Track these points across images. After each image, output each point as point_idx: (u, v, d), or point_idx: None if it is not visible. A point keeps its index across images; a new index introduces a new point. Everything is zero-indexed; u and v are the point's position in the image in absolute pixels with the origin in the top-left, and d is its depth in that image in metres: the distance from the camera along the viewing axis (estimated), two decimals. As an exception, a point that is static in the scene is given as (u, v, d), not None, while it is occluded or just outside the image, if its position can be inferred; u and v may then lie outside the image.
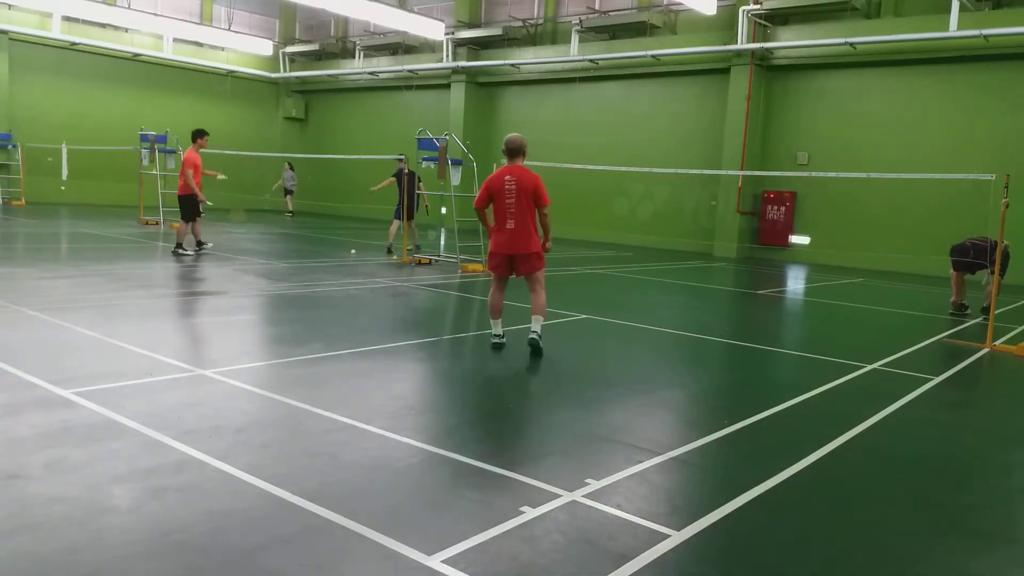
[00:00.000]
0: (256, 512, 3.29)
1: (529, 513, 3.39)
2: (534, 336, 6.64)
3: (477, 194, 6.82)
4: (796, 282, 15.34)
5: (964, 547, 3.46)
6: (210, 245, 13.45)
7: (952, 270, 10.88)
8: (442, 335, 6.91)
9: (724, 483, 4.02)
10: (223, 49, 27.95)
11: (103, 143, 24.37)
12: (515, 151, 6.72)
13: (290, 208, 26.66)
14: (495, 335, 6.85)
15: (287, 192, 26.81)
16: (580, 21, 22.01)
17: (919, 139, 17.54)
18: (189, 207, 12.71)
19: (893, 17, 17.79)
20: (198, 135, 12.87)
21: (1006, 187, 8.50)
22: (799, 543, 3.38)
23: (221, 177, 14.30)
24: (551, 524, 3.31)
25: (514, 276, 6.91)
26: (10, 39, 23.61)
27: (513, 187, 6.56)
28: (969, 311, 10.93)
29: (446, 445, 4.28)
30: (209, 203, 13.53)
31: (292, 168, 27.08)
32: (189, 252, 12.64)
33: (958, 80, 17.18)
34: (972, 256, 10.49)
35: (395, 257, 14.14)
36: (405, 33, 25.34)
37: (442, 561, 2.91)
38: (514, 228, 6.60)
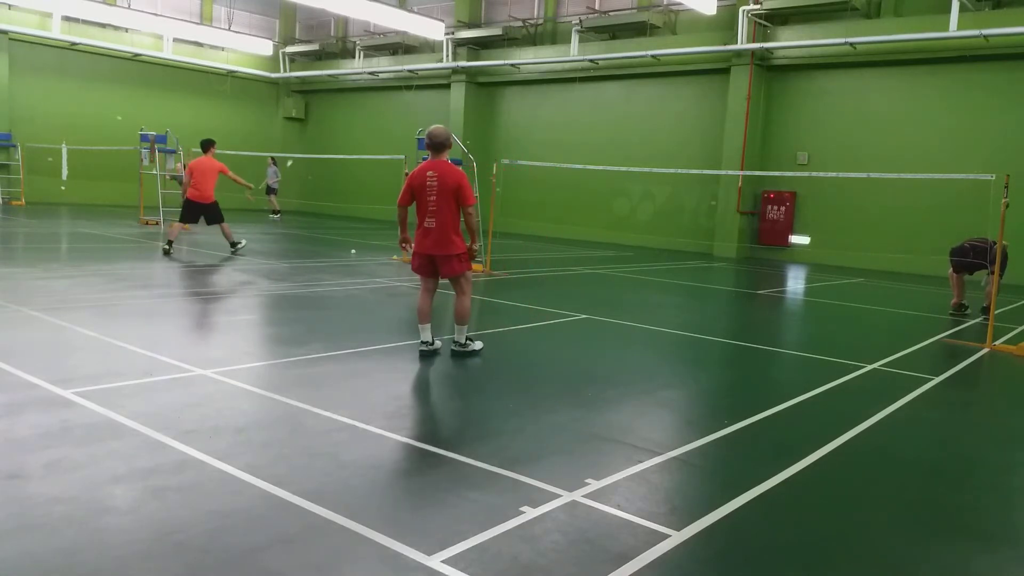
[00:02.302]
0: (256, 512, 3.29)
1: (529, 513, 3.39)
2: (455, 348, 6.52)
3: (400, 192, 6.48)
4: (796, 282, 15.34)
5: (964, 547, 3.46)
6: (243, 243, 13.58)
7: (951, 271, 10.88)
8: (441, 335, 6.91)
9: (724, 483, 4.02)
10: (223, 49, 27.94)
11: (103, 143, 24.37)
12: (439, 145, 6.34)
13: (276, 208, 24.59)
14: (423, 341, 6.42)
15: (270, 191, 24.57)
16: (580, 21, 22.01)
17: (919, 139, 17.54)
18: (216, 211, 13.05)
19: (893, 17, 17.80)
20: (211, 144, 13.18)
21: (1006, 187, 8.50)
22: (799, 543, 3.38)
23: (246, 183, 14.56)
24: (551, 524, 3.31)
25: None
26: (10, 39, 23.62)
27: (435, 183, 6.19)
28: (969, 311, 10.93)
29: (446, 445, 4.28)
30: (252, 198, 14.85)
31: (275, 164, 24.99)
32: (242, 242, 13.36)
33: (958, 80, 17.18)
34: (972, 257, 10.49)
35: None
36: (405, 33, 25.35)
37: (442, 561, 2.91)
38: (434, 227, 6.23)
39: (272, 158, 25.35)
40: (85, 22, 24.48)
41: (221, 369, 5.57)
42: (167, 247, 12.58)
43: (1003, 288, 10.50)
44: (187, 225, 13.20)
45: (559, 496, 3.59)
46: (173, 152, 18.88)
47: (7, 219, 18.16)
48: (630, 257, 17.80)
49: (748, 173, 18.79)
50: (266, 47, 26.96)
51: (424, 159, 15.03)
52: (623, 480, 3.88)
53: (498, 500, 3.53)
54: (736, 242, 19.79)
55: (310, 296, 9.35)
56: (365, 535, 3.11)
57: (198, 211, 12.91)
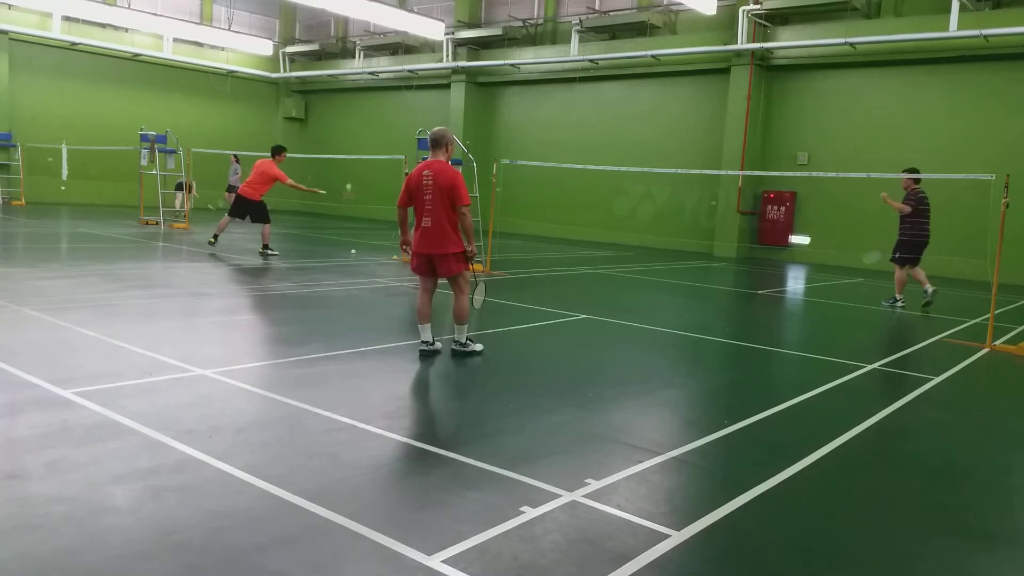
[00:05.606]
0: (256, 512, 3.29)
1: (529, 513, 3.38)
2: (455, 347, 6.51)
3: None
4: (796, 282, 15.34)
5: (964, 547, 3.45)
6: (276, 253, 13.45)
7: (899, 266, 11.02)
8: (442, 335, 6.91)
9: (724, 483, 4.02)
10: (223, 49, 27.96)
11: (103, 143, 24.38)
12: (434, 142, 6.36)
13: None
14: (423, 341, 6.44)
15: (231, 188, 21.35)
16: (580, 21, 22.01)
17: (919, 139, 17.53)
18: (262, 211, 13.38)
19: (893, 17, 17.80)
20: (280, 151, 13.49)
21: (1006, 187, 8.50)
22: (799, 543, 3.38)
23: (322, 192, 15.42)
24: (551, 524, 3.31)
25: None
26: (10, 39, 23.62)
27: (430, 183, 6.22)
28: (931, 299, 10.84)
29: (446, 445, 4.28)
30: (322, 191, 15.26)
31: (238, 161, 21.83)
32: (276, 252, 13.32)
33: (958, 80, 17.18)
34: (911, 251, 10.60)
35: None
36: (405, 33, 25.35)
37: (442, 561, 2.91)
38: (431, 227, 6.26)
39: (235, 155, 22.70)
40: (85, 22, 24.49)
41: (221, 369, 5.57)
42: (212, 240, 13.48)
43: (1003, 288, 10.47)
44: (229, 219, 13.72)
45: (559, 496, 3.59)
46: (173, 152, 18.88)
47: (7, 219, 18.16)
48: (630, 257, 17.80)
49: (748, 173, 18.79)
50: (266, 47, 26.96)
51: (424, 159, 15.05)
52: (623, 480, 3.88)
53: (498, 500, 3.53)
54: (736, 242, 19.79)
55: (310, 296, 9.35)
56: (365, 535, 3.10)
57: (246, 207, 13.34)
